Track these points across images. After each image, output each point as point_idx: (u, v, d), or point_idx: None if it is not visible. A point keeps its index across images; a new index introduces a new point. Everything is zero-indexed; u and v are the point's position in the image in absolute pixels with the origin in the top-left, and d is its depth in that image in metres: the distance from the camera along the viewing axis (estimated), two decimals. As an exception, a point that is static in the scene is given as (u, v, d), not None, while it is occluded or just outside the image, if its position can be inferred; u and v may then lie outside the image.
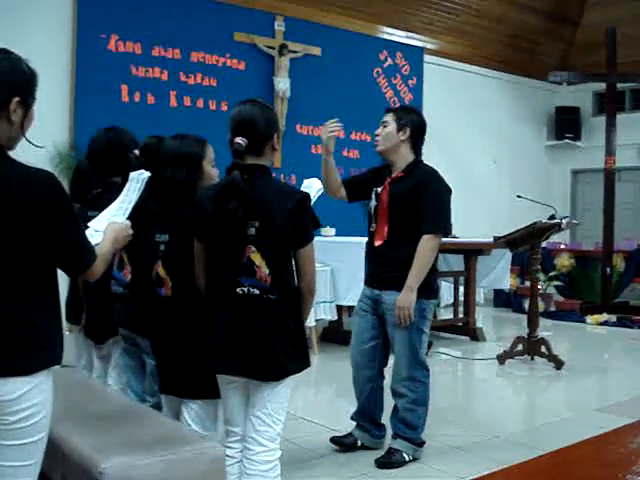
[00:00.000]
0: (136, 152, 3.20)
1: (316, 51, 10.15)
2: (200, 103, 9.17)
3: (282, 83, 9.65)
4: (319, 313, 6.92)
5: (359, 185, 4.25)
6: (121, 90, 8.53)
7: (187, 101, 9.07)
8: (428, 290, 3.96)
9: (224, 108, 9.18)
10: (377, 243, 4.02)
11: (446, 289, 9.71)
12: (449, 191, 4.00)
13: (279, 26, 9.81)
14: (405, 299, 3.83)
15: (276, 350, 2.67)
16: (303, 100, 9.83)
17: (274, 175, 2.86)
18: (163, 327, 2.92)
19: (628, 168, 12.69)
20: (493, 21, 12.00)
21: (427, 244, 3.85)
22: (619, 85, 11.06)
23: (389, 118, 4.05)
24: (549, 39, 13.04)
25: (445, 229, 3.99)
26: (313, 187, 3.54)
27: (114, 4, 8.43)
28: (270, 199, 2.70)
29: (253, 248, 2.68)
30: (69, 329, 3.72)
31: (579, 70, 12.33)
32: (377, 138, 4.07)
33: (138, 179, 2.71)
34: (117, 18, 8.45)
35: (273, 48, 9.70)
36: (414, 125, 4.03)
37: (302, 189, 3.17)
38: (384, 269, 3.99)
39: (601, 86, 11.60)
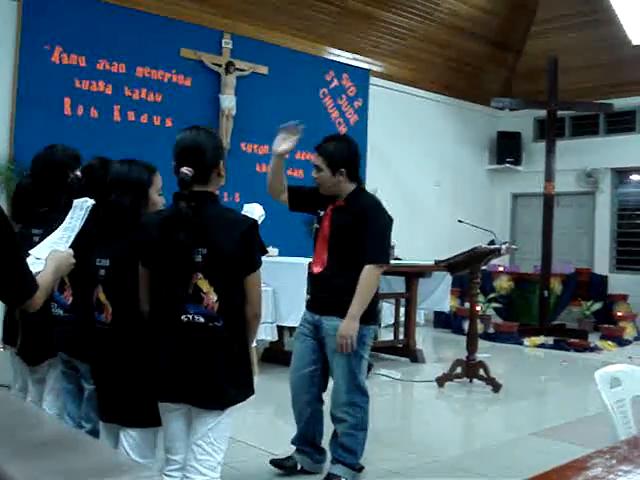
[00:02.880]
0: (77, 173, 3.15)
1: (263, 70, 10.15)
2: (144, 118, 9.08)
3: (228, 101, 9.62)
4: (260, 334, 6.88)
5: (304, 197, 4.20)
6: (64, 103, 8.40)
7: (131, 116, 8.97)
8: (368, 316, 3.96)
9: (169, 124, 9.13)
10: (316, 270, 4.02)
11: (387, 310, 9.76)
12: (391, 221, 4.02)
13: (226, 44, 9.80)
14: (348, 328, 3.82)
15: (220, 378, 2.65)
16: (249, 118, 9.82)
17: (218, 193, 2.86)
18: (102, 353, 2.87)
19: (567, 193, 12.97)
20: (438, 46, 12.18)
21: (370, 274, 3.86)
22: (559, 112, 11.33)
23: (320, 162, 3.95)
24: (492, 65, 13.30)
25: (387, 260, 4.01)
26: (255, 213, 3.53)
27: (60, 15, 8.31)
28: (218, 227, 2.69)
29: (200, 275, 2.66)
30: (3, 347, 3.63)
31: (521, 96, 12.62)
32: (316, 181, 4.02)
33: (82, 206, 2.67)
34: (62, 30, 8.33)
35: (220, 65, 9.67)
36: (346, 161, 3.96)
37: (243, 214, 3.16)
38: (324, 295, 3.99)
39: (542, 112, 11.87)
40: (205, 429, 2.68)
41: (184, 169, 2.69)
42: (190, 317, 2.66)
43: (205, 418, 2.68)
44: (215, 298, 2.66)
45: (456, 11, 11.75)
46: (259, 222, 3.51)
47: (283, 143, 3.96)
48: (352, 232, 3.89)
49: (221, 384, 2.66)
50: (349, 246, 3.90)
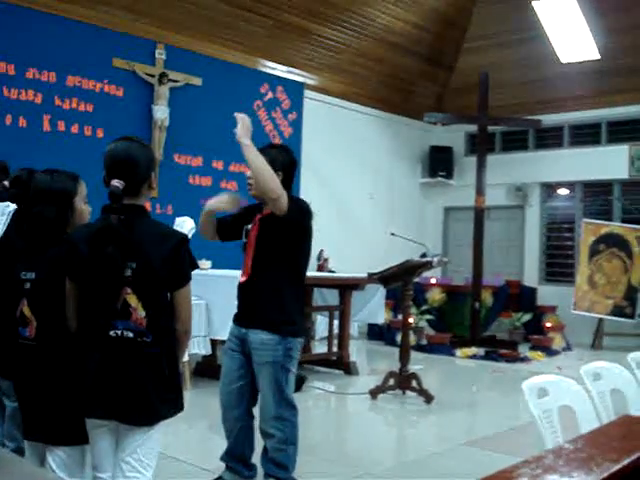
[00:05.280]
0: (5, 183, 3.07)
1: (197, 81, 10.08)
2: (75, 129, 8.91)
3: (161, 112, 9.52)
4: (193, 347, 6.80)
5: (229, 225, 4.16)
6: (-9, 112, 8.20)
7: (61, 126, 8.80)
8: (295, 328, 3.94)
9: (100, 135, 8.98)
10: (242, 279, 4.00)
11: (321, 323, 9.78)
12: (307, 213, 3.97)
13: (160, 54, 9.70)
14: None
15: (149, 394, 2.61)
16: (182, 130, 9.74)
17: (150, 204, 2.82)
18: (26, 369, 2.78)
19: (497, 206, 13.22)
20: (373, 61, 12.30)
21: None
22: (490, 127, 11.57)
23: None
24: (425, 81, 13.49)
25: None
26: (185, 226, 3.49)
27: (-13, 22, 8.12)
28: (147, 241, 2.64)
29: (129, 290, 2.61)
30: None
31: (453, 112, 12.84)
32: (249, 181, 3.98)
33: (3, 211, 2.60)
34: (-11, 37, 8.14)
35: (153, 76, 9.57)
36: (285, 167, 3.99)
37: (174, 227, 3.12)
38: (249, 307, 3.96)
39: (473, 128, 12.10)
40: (134, 445, 2.63)
41: (115, 182, 2.63)
42: (119, 332, 2.61)
43: (133, 434, 2.63)
44: (143, 314, 2.61)
45: (390, 27, 11.88)
46: (190, 235, 3.47)
47: (220, 204, 3.94)
48: (277, 239, 3.88)
49: (150, 400, 2.61)
50: (273, 253, 3.88)
